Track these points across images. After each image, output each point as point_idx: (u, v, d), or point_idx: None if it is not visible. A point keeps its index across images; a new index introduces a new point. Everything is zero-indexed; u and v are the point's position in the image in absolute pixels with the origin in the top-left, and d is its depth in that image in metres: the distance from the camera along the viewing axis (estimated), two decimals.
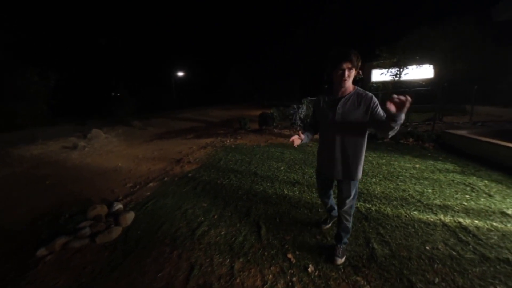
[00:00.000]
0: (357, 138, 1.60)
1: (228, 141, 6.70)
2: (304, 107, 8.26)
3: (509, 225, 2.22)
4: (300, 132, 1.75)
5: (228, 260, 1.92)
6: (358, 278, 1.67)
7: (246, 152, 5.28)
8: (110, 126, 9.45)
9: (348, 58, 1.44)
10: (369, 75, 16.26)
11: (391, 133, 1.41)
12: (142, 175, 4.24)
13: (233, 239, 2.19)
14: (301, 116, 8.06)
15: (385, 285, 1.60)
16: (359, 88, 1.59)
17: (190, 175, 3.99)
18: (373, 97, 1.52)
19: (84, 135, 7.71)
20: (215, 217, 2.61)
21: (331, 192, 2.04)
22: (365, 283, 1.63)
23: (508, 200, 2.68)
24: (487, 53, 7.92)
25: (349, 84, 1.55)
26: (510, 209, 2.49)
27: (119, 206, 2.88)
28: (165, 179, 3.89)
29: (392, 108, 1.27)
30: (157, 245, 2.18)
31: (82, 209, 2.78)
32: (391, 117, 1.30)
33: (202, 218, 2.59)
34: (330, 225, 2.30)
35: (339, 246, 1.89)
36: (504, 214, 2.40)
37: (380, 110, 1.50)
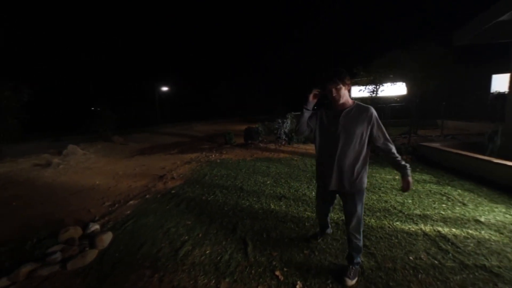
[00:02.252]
0: (359, 148, 1.63)
1: (213, 156, 6.62)
2: (289, 122, 8.45)
3: (483, 232, 2.34)
4: (314, 98, 1.72)
5: (213, 281, 1.83)
6: None
7: (231, 167, 5.22)
8: (89, 142, 9.02)
9: (332, 80, 1.58)
10: (348, 91, 17.12)
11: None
12: (122, 192, 4.03)
13: (218, 258, 2.11)
14: (286, 130, 8.22)
15: None
16: (359, 102, 1.67)
17: (173, 191, 3.86)
18: (374, 112, 1.61)
19: (59, 151, 7.27)
20: (200, 235, 2.51)
21: (331, 209, 2.04)
22: None
23: (480, 208, 2.84)
24: (451, 73, 8.74)
25: (344, 99, 1.64)
26: (483, 216, 2.64)
27: (95, 227, 2.69)
28: (147, 196, 3.72)
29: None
30: (136, 268, 2.03)
31: (53, 232, 2.56)
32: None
33: (186, 237, 2.47)
34: (319, 240, 2.25)
35: (351, 267, 1.78)
36: (478, 221, 2.54)
37: (376, 130, 1.62)
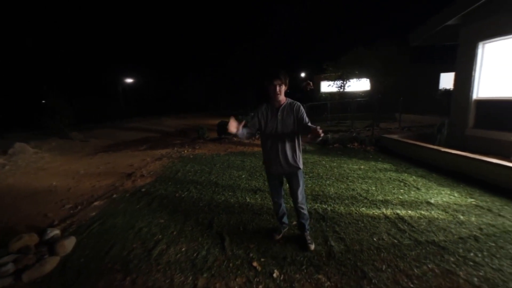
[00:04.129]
0: (295, 136, 1.99)
1: (185, 151, 6.42)
2: None
3: (433, 212, 2.67)
4: (239, 124, 1.88)
5: (190, 278, 1.80)
6: (320, 276, 1.76)
7: (205, 162, 5.13)
8: (41, 139, 8.06)
9: (277, 77, 1.87)
10: (318, 86, 17.84)
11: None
12: (85, 193, 3.71)
13: (195, 254, 2.08)
14: None
15: (343, 279, 1.73)
16: (289, 99, 2.01)
17: (143, 189, 3.67)
18: (300, 105, 1.98)
19: (3, 150, 6.37)
20: (174, 233, 2.44)
21: (282, 190, 2.23)
22: (326, 279, 1.73)
23: (430, 191, 3.23)
24: (407, 70, 9.63)
25: (282, 97, 1.96)
26: (433, 198, 3.00)
27: (54, 232, 2.44)
28: (114, 196, 3.48)
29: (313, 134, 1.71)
30: (105, 272, 1.91)
31: (3, 241, 2.26)
32: (312, 138, 1.76)
33: (160, 236, 2.39)
34: (281, 235, 2.27)
35: (306, 233, 2.14)
36: (428, 203, 2.88)
37: (304, 116, 1.94)
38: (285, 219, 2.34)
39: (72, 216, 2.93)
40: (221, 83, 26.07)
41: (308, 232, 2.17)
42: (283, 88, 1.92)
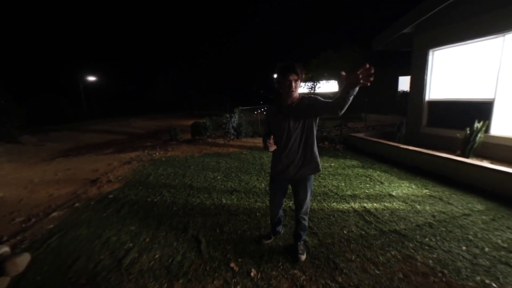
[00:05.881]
0: (310, 137, 1.77)
1: (157, 153, 6.13)
2: (237, 116, 8.50)
3: (394, 203, 2.92)
4: (269, 140, 1.70)
5: (165, 285, 1.73)
6: (295, 271, 1.83)
7: (179, 165, 4.96)
8: None
9: (293, 71, 1.61)
10: None
11: (346, 106, 1.50)
12: (40, 204, 3.34)
13: (170, 260, 2.00)
14: (234, 125, 8.25)
15: (317, 271, 1.81)
16: (303, 94, 1.79)
17: (111, 196, 3.42)
18: (316, 97, 1.69)
19: None
20: (147, 240, 2.32)
21: (283, 200, 2.07)
22: (301, 274, 1.80)
23: (392, 185, 3.53)
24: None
25: (296, 93, 1.72)
26: (394, 191, 3.29)
27: (3, 249, 2.16)
28: (76, 205, 3.19)
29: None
30: None
31: None
32: (347, 89, 1.47)
33: (130, 244, 2.25)
34: (272, 239, 2.22)
35: (299, 244, 2.00)
36: (391, 196, 3.15)
37: (320, 99, 1.65)
38: (279, 228, 2.26)
39: (24, 230, 2.62)
40: (195, 83, 25.40)
41: (302, 242, 2.03)
42: (299, 83, 1.67)
